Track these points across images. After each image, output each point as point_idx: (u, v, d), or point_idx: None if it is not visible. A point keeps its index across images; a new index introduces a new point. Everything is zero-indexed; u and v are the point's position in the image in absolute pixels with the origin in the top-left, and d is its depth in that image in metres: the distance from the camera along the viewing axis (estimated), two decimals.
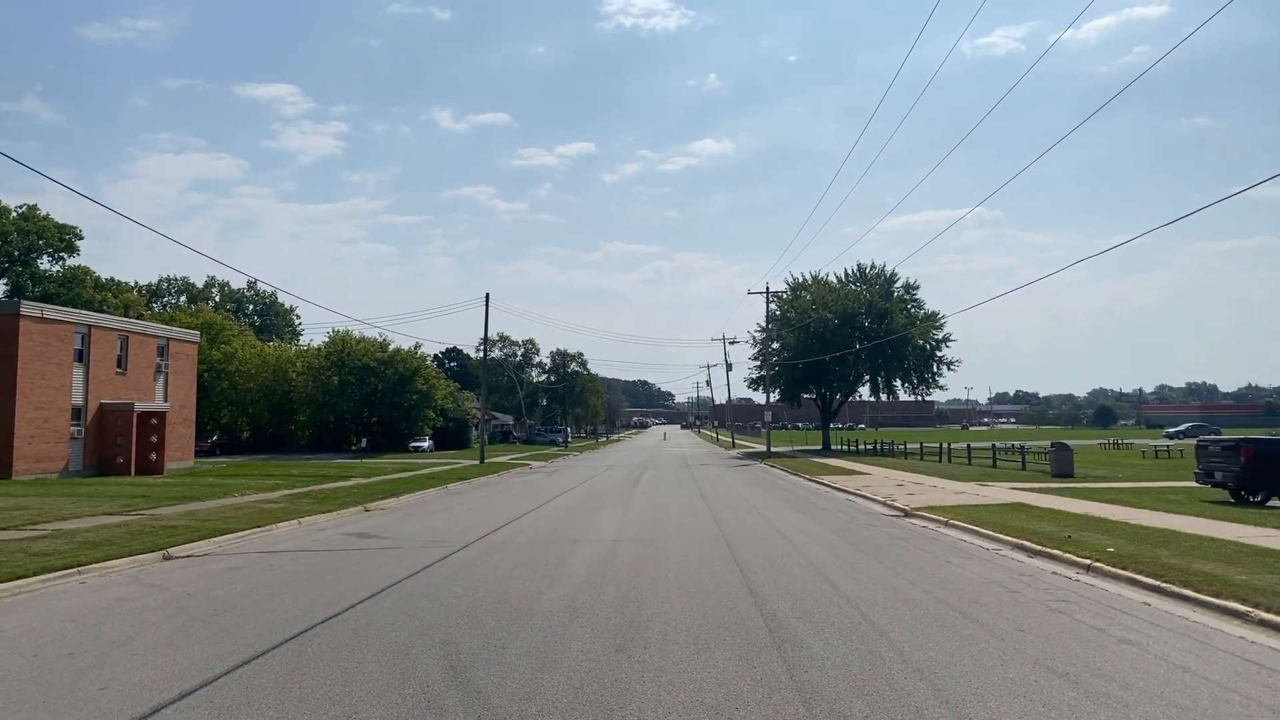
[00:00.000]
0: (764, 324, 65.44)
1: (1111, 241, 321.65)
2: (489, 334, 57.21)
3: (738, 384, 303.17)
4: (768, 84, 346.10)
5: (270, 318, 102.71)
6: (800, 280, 68.58)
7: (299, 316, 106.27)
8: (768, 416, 65.26)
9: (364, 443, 69.65)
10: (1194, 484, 23.92)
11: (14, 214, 72.50)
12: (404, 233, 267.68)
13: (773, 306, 65.08)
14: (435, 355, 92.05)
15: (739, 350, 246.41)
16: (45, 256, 74.69)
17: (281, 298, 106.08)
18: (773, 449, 61.03)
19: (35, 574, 11.63)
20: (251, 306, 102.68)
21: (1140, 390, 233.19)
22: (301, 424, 70.17)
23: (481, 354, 61.79)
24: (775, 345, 66.14)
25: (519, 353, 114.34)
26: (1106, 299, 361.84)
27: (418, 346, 71.48)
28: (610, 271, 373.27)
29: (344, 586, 11.19)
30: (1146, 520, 16.79)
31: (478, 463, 47.55)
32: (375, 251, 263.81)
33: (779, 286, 70.42)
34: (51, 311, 35.45)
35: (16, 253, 72.14)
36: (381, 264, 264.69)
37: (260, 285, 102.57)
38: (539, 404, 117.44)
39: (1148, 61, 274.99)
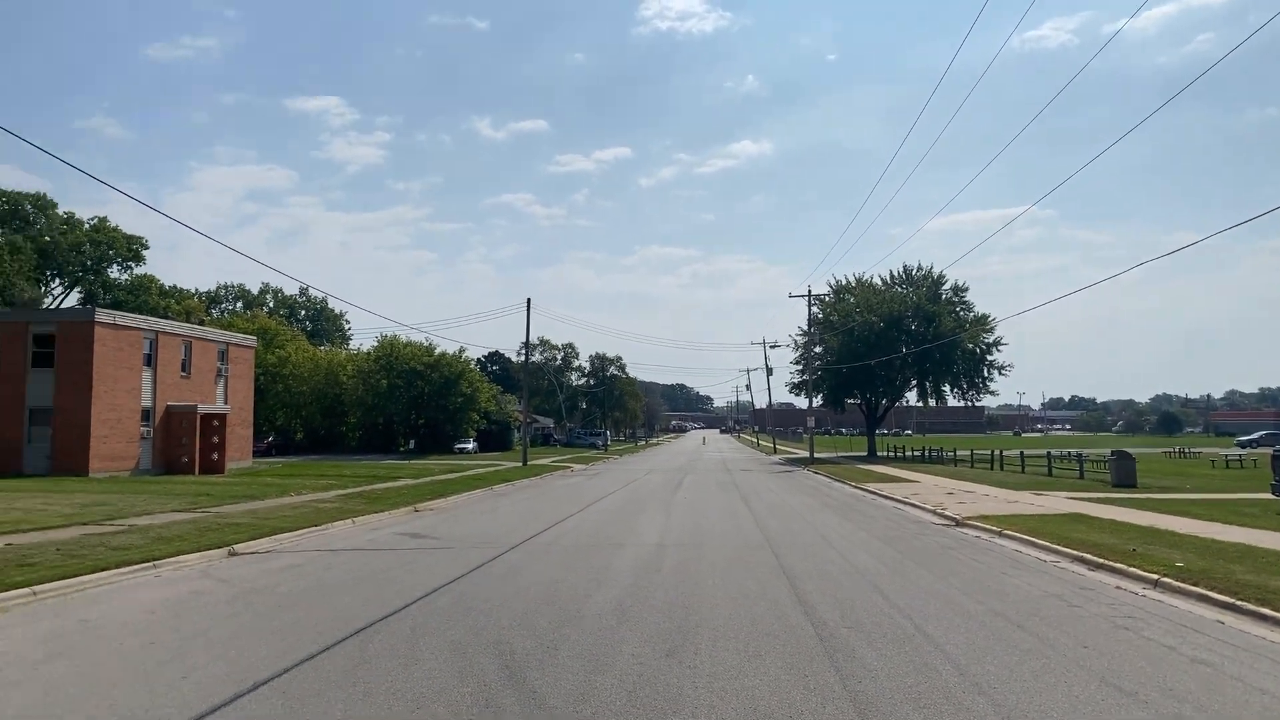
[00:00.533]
0: (806, 327, 65.03)
1: (1174, 239, 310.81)
2: (530, 338, 57.65)
3: (779, 388, 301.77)
4: (807, 84, 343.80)
5: (321, 323, 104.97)
6: (843, 283, 68.02)
7: (349, 321, 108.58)
8: (810, 422, 64.86)
9: (412, 444, 70.85)
10: (1270, 496, 22.95)
11: (86, 226, 75.34)
12: (445, 239, 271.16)
13: (815, 309, 64.62)
14: (478, 359, 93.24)
15: (780, 354, 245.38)
16: (115, 266, 77.50)
17: (331, 303, 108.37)
18: (816, 454, 60.63)
19: (115, 567, 12.20)
20: (304, 312, 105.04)
21: (1208, 396, 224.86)
22: (352, 426, 71.68)
23: (523, 358, 62.43)
24: (818, 349, 65.67)
25: (559, 357, 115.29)
26: (1169, 299, 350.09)
27: (462, 351, 72.67)
28: (647, 275, 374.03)
29: (400, 585, 11.53)
30: (1218, 534, 16.25)
31: (520, 465, 48.06)
32: (419, 258, 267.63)
33: (821, 289, 70.04)
34: (123, 318, 36.85)
35: (89, 262, 74.94)
36: (425, 270, 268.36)
37: (311, 291, 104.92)
38: (579, 407, 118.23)
39: (1211, 50, 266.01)
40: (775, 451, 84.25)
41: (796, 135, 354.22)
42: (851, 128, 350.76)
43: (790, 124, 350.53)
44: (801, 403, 73.84)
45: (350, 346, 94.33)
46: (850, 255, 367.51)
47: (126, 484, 29.09)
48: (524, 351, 60.49)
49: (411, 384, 66.77)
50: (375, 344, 72.40)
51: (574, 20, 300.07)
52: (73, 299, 74.76)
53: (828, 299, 66.42)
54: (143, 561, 12.76)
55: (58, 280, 74.78)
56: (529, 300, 53.96)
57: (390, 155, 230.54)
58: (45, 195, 74.47)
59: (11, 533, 15.48)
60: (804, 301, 63.68)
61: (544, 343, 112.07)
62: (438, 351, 69.35)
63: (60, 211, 74.54)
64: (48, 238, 71.66)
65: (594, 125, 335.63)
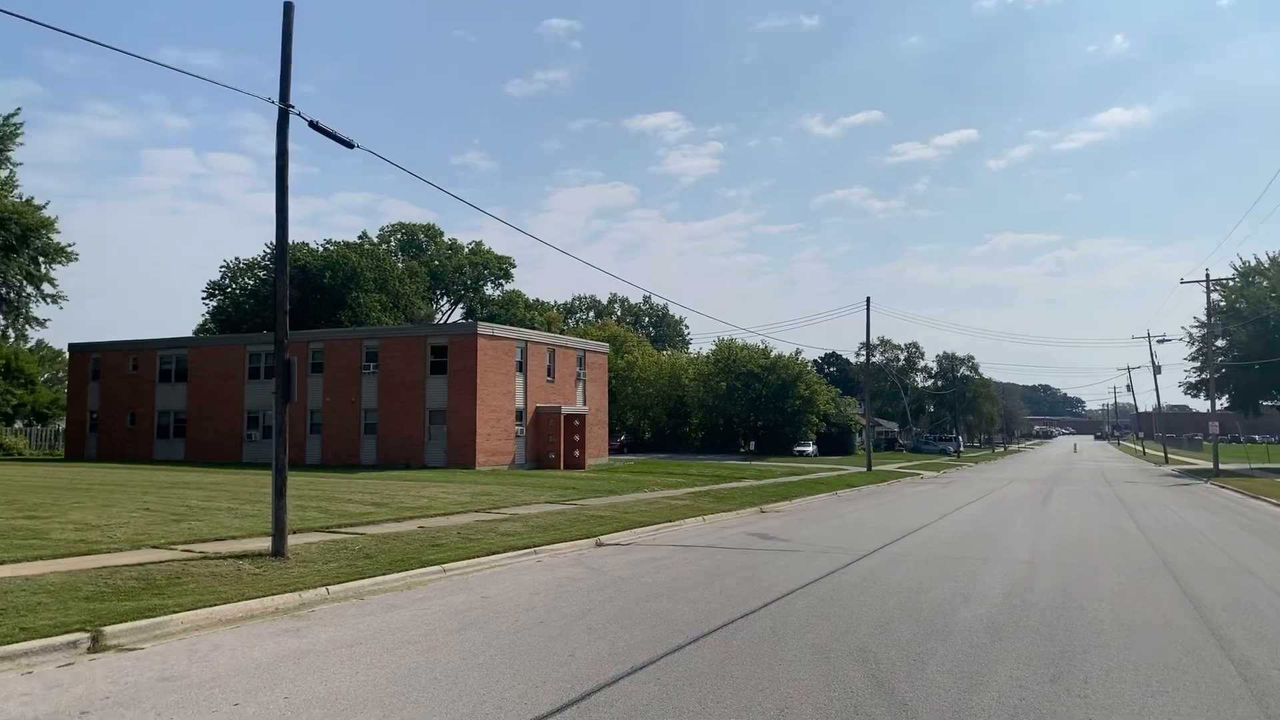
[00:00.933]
0: (1204, 317, 55.99)
1: None
2: (869, 338, 56.08)
3: (1169, 388, 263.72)
4: (1192, 35, 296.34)
5: (663, 328, 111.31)
6: (1252, 264, 57.57)
7: (688, 326, 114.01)
8: (1214, 427, 55.63)
9: (751, 446, 72.48)
10: None
11: (466, 250, 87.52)
12: (778, 241, 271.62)
13: (1215, 296, 55.24)
14: (814, 361, 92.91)
15: (1170, 350, 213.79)
16: (489, 283, 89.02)
17: (672, 309, 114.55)
18: (1221, 466, 51.97)
19: (503, 551, 13.79)
20: (647, 319, 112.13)
21: None
22: (695, 426, 75.08)
23: (862, 359, 61.00)
24: (1220, 343, 56.22)
25: (901, 357, 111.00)
26: None
27: (798, 353, 72.97)
28: (1000, 265, 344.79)
29: (755, 585, 11.69)
30: None
31: (864, 470, 46.93)
32: (752, 261, 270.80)
33: (1222, 272, 59.77)
34: (499, 330, 41.94)
35: (468, 281, 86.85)
36: (758, 273, 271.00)
37: (653, 299, 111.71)
38: (925, 410, 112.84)
39: None
40: (1166, 461, 73.65)
41: (1181, 97, 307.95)
42: (1254, 82, 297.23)
43: (1172, 85, 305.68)
44: (1199, 405, 64.04)
45: (690, 350, 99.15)
46: (1260, 232, 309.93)
47: (505, 476, 32.93)
48: (864, 352, 59.22)
49: (749, 386, 68.47)
50: (713, 348, 75.38)
51: (908, 3, 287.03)
52: (456, 314, 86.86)
53: (1232, 283, 56.64)
54: (525, 547, 14.27)
55: (445, 298, 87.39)
56: (868, 299, 52.62)
57: (723, 163, 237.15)
58: (434, 225, 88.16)
59: (422, 517, 18.17)
60: (1200, 288, 54.85)
61: (884, 342, 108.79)
62: (774, 354, 70.51)
63: (445, 239, 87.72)
64: (436, 262, 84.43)
65: (933, 109, 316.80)
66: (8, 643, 7.44)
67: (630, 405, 74.34)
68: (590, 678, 6.92)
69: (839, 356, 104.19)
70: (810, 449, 69.11)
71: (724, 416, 71.02)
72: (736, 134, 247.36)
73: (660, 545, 15.89)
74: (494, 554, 13.52)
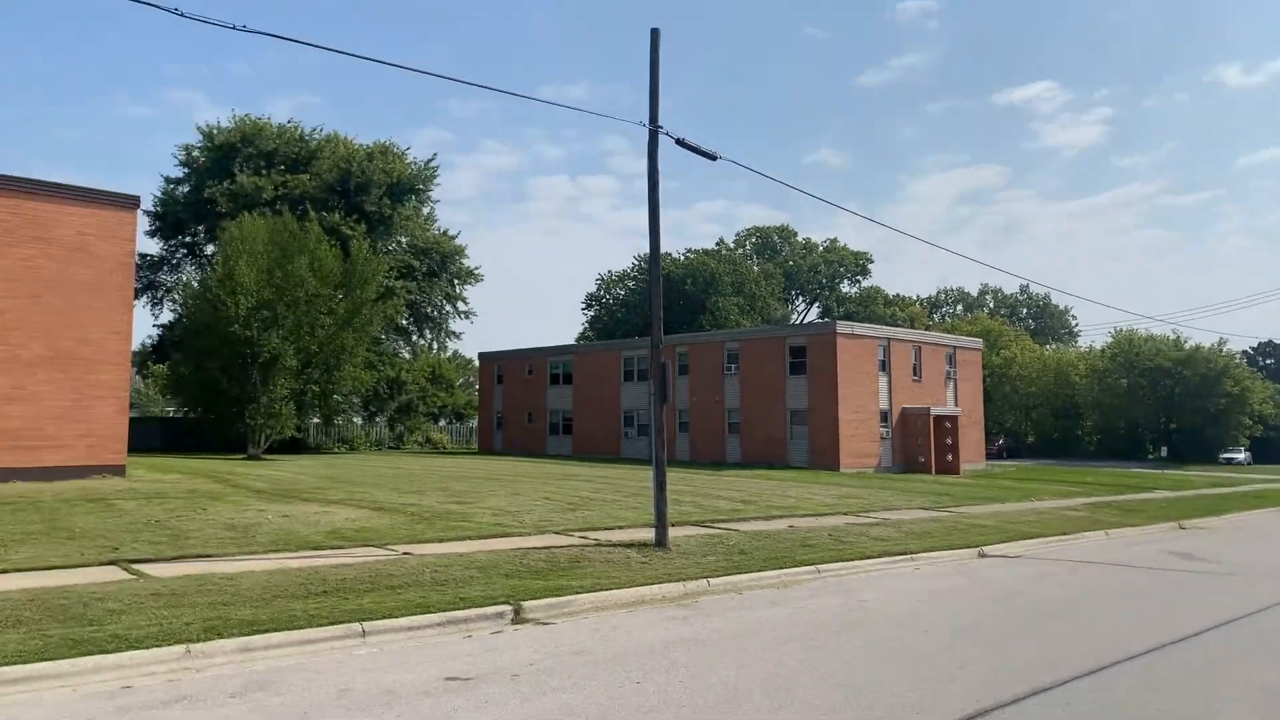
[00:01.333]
0: None
1: None
2: None
3: None
4: None
5: (1045, 320, 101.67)
6: None
7: (1074, 317, 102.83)
8: None
9: (1162, 452, 63.32)
10: None
11: (820, 248, 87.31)
12: (1188, 214, 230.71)
13: None
14: (1244, 352, 78.51)
15: None
16: (845, 281, 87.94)
17: (1055, 299, 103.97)
18: None
19: (877, 556, 13.38)
20: (1024, 310, 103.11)
21: None
22: (1088, 430, 67.50)
23: None
24: None
25: None
26: None
27: (1222, 343, 62.51)
28: None
29: (1176, 610, 10.12)
30: None
31: None
32: (1154, 238, 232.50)
33: None
34: (858, 328, 41.14)
35: (824, 280, 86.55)
36: (1163, 252, 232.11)
37: (1032, 288, 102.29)
38: None
39: None
40: None
41: None
42: None
43: None
44: None
45: (1079, 344, 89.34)
46: None
47: (871, 479, 32.07)
48: None
49: (1157, 383, 60.04)
50: (1109, 340, 67.27)
51: None
52: (812, 314, 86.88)
53: None
54: (900, 554, 13.71)
55: (800, 298, 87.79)
56: None
57: (1112, 130, 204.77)
58: (787, 226, 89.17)
59: (790, 516, 18.26)
60: None
61: None
62: (1189, 345, 61.11)
63: (799, 239, 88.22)
64: (791, 262, 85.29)
65: None
66: (452, 609, 8.74)
67: (1009, 406, 68.86)
68: (986, 695, 6.37)
69: (1278, 346, 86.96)
70: (1241, 456, 58.57)
71: (1125, 418, 62.94)
72: (1128, 96, 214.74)
73: (1054, 559, 14.37)
74: (867, 558, 13.16)
